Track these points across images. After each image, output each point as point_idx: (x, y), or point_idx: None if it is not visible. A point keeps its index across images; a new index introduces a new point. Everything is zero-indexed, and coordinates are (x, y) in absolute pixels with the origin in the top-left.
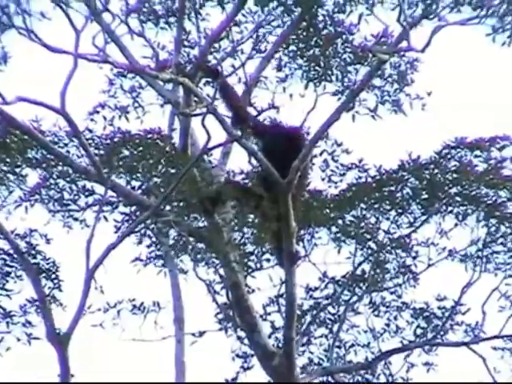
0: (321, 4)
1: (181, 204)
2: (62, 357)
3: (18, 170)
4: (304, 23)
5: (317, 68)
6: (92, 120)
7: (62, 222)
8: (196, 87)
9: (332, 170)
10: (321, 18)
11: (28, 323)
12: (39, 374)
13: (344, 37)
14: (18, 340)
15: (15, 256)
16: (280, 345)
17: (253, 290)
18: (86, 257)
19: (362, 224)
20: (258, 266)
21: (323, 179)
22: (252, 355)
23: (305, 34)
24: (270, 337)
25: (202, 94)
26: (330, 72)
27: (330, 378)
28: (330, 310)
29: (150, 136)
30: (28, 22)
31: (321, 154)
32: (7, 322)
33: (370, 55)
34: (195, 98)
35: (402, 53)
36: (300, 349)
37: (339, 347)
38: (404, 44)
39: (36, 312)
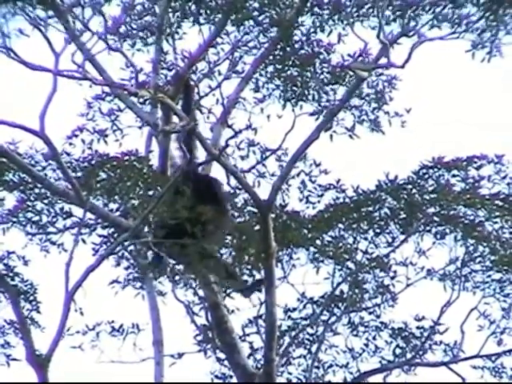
0: (298, 24)
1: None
2: (42, 379)
3: None
4: (281, 43)
5: (294, 88)
6: (70, 144)
7: (39, 245)
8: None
9: (309, 191)
10: (298, 37)
11: (7, 344)
12: None
13: (322, 56)
14: None
15: None
16: (260, 365)
17: (232, 311)
18: (65, 279)
19: (340, 244)
20: None
21: (301, 200)
22: (231, 376)
23: (282, 54)
24: (249, 357)
25: (181, 112)
26: (307, 92)
27: None
28: (308, 330)
29: (127, 158)
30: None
31: (298, 174)
32: None
33: (349, 74)
34: (174, 118)
35: (379, 71)
36: (279, 369)
37: (318, 368)
38: (383, 61)
39: (15, 333)
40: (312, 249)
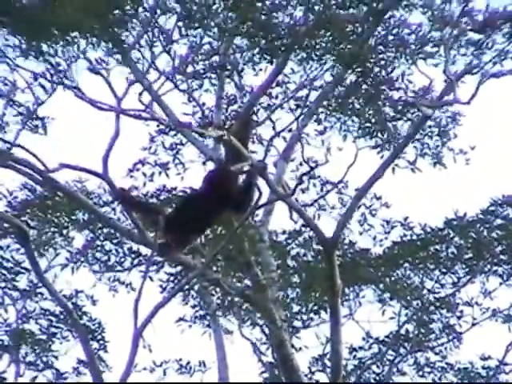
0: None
1: (226, 263)
2: None
3: (65, 231)
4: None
5: (356, 122)
6: (131, 177)
7: (107, 285)
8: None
9: (370, 225)
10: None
11: None
12: None
13: (385, 92)
14: None
15: (61, 317)
16: None
17: (300, 348)
18: (133, 315)
19: (407, 283)
20: (304, 324)
21: (361, 233)
22: None
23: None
24: None
25: (246, 152)
26: (370, 126)
27: None
28: (374, 369)
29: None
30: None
31: (358, 207)
32: None
33: (411, 111)
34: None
35: (444, 107)
36: None
37: None
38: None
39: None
40: (379, 287)
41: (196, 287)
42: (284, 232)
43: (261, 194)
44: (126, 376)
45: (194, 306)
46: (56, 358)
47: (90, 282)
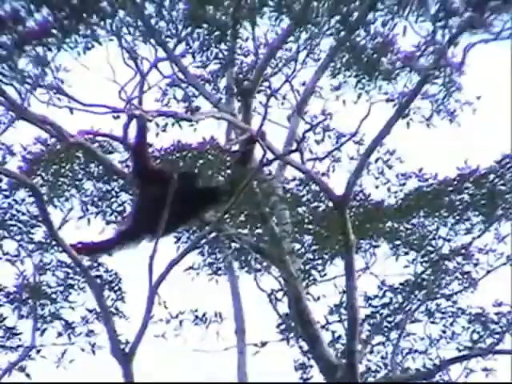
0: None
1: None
2: (126, 372)
3: (79, 183)
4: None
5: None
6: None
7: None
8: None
9: (387, 179)
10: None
11: (91, 332)
12: None
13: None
14: (83, 350)
15: (77, 269)
16: (341, 355)
17: (318, 298)
18: (148, 272)
19: (421, 234)
20: (320, 275)
21: (377, 186)
22: (311, 366)
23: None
24: (330, 345)
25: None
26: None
27: None
28: (387, 318)
29: (208, 147)
30: None
31: (376, 161)
32: (69, 334)
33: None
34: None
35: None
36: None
37: (397, 354)
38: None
39: (98, 320)
40: (393, 239)
41: (210, 241)
42: (295, 179)
43: (265, 152)
44: (142, 333)
45: (210, 254)
46: (73, 309)
47: (104, 233)
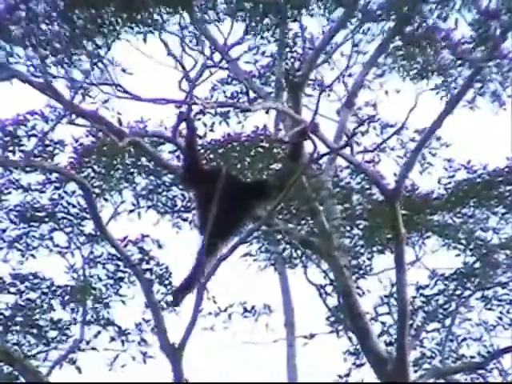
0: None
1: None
2: (175, 367)
3: (130, 177)
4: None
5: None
6: None
7: (171, 222)
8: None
9: (430, 164)
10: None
11: (143, 341)
12: None
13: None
14: (133, 359)
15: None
16: (391, 347)
17: (363, 293)
18: (198, 269)
19: (471, 225)
20: (370, 269)
21: (421, 172)
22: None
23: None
24: (380, 336)
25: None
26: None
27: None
28: (441, 304)
29: (260, 139)
30: None
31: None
32: (122, 341)
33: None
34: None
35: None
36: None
37: (452, 341)
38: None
39: (151, 332)
40: (442, 234)
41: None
42: (342, 170)
43: (316, 147)
44: (191, 328)
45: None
46: (123, 302)
47: (156, 228)
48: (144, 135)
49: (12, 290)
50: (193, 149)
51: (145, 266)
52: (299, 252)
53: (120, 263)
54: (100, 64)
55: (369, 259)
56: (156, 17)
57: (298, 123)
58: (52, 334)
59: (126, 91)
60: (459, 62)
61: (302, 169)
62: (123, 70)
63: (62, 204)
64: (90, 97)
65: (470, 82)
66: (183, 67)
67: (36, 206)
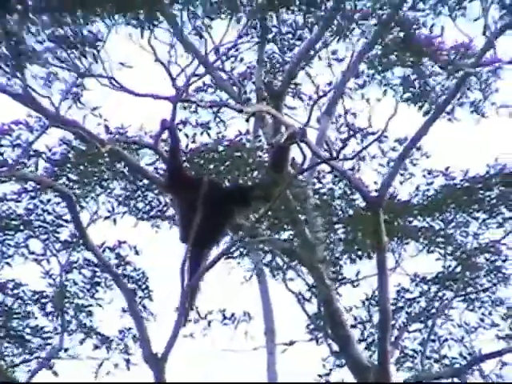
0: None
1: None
2: (158, 377)
3: (105, 183)
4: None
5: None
6: None
7: (149, 222)
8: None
9: (411, 174)
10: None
11: (126, 347)
12: None
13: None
14: (116, 366)
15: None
16: (371, 353)
17: (350, 308)
18: (180, 278)
19: (451, 230)
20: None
21: (401, 183)
22: (340, 366)
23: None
24: (360, 342)
25: (287, 121)
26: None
27: None
28: (423, 305)
29: (237, 149)
30: None
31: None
32: (107, 347)
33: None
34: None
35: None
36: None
37: (434, 341)
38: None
39: (132, 339)
40: (423, 240)
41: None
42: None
43: (305, 157)
44: (174, 339)
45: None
46: (100, 306)
47: (133, 232)
48: (126, 142)
49: None
50: (176, 156)
51: (122, 272)
52: (280, 260)
53: (97, 269)
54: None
55: (350, 266)
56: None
57: (280, 130)
58: (34, 341)
59: (120, 85)
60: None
61: (290, 179)
62: (121, 64)
63: (37, 212)
64: (81, 103)
65: (456, 90)
66: (170, 75)
67: (11, 215)
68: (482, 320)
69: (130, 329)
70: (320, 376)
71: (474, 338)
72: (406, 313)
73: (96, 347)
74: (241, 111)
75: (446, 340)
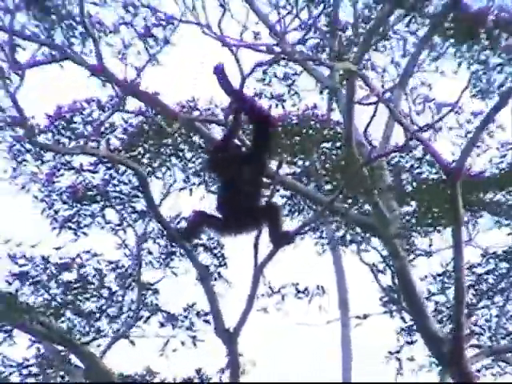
0: None
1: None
2: (231, 351)
3: (181, 153)
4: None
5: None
6: None
7: None
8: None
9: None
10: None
11: (192, 324)
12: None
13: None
14: (183, 344)
15: None
16: (446, 328)
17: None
18: (254, 253)
19: None
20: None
21: (478, 155)
22: (416, 330)
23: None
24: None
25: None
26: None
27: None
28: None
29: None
30: None
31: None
32: (172, 325)
33: None
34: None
35: None
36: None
37: (500, 317)
38: None
39: (197, 316)
40: (496, 212)
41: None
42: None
43: (373, 147)
44: (247, 314)
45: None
46: (175, 274)
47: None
48: (196, 119)
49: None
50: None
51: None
52: (353, 232)
53: None
54: None
55: (425, 238)
56: None
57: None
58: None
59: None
60: None
61: (367, 161)
62: None
63: (113, 183)
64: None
65: None
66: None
67: (88, 186)
68: None
69: (193, 305)
70: (390, 353)
71: None
72: (475, 290)
73: (162, 325)
74: (331, 68)
75: None
